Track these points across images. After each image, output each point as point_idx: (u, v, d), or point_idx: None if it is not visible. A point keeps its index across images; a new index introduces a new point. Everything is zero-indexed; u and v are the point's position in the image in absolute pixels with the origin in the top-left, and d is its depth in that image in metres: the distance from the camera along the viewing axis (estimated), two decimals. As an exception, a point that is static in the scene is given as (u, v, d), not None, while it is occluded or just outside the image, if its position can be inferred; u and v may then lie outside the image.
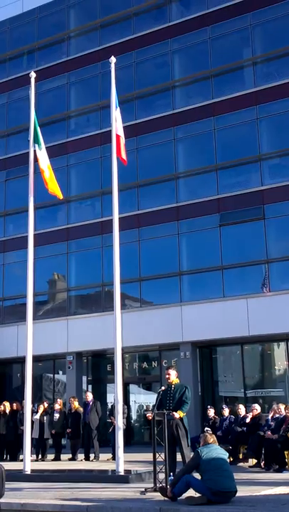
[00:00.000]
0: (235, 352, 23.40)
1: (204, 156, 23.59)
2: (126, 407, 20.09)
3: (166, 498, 9.35)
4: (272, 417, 15.15)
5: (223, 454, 9.30)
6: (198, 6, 24.80)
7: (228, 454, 9.91)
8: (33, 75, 16.02)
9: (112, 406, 18.02)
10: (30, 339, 14.27)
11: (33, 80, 15.94)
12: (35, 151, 14.96)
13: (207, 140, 23.50)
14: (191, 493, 9.19)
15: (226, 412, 16.99)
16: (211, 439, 9.36)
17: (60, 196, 15.16)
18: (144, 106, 25.32)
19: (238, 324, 21.13)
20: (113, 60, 15.05)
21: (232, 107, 23.18)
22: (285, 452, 13.59)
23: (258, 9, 23.29)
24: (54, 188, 14.85)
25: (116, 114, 14.29)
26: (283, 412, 14.70)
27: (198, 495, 9.05)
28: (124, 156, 14.22)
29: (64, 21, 27.87)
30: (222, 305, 21.81)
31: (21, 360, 18.68)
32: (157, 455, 10.54)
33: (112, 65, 14.95)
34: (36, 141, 15.03)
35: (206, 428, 16.17)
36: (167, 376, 11.83)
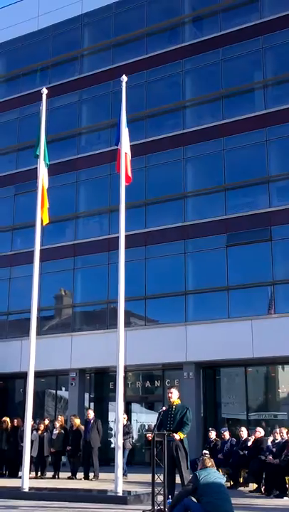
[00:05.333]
0: (239, 374, 23.23)
1: (213, 177, 23.64)
2: (132, 426, 19.98)
3: (163, 521, 9.25)
4: (272, 441, 14.97)
5: (220, 477, 9.18)
6: (210, 29, 25.03)
7: (225, 479, 9.78)
8: (44, 91, 16.19)
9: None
10: (33, 354, 14.25)
11: (44, 97, 16.09)
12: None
13: (216, 160, 23.56)
14: (188, 516, 9.06)
15: (226, 435, 16.81)
16: (209, 462, 9.24)
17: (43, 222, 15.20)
18: (154, 125, 25.43)
19: (243, 346, 21.00)
20: (124, 78, 15.15)
21: (241, 129, 23.26)
22: (286, 478, 13.45)
23: (270, 33, 23.45)
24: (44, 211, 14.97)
25: (125, 132, 14.39)
26: (285, 436, 14.54)
27: (196, 518, 8.93)
28: (129, 173, 14.30)
29: (78, 40, 28.13)
30: (227, 326, 21.71)
31: (24, 376, 18.60)
32: (156, 477, 10.43)
33: (124, 84, 15.05)
34: (44, 157, 15.14)
35: (205, 451, 16.02)
36: (170, 395, 11.71)
